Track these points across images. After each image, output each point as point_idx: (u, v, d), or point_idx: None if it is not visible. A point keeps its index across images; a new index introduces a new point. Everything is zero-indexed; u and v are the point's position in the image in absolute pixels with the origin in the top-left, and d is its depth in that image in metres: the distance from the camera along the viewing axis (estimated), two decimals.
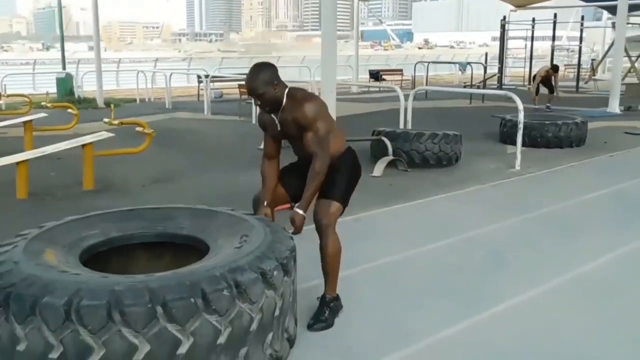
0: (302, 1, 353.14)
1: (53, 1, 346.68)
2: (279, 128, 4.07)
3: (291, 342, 3.51)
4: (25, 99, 14.34)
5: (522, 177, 8.66)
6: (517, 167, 9.03)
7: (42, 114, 10.84)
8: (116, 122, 9.37)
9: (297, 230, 3.94)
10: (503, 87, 22.67)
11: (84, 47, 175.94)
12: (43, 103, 12.87)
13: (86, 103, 18.03)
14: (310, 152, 3.94)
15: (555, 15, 23.30)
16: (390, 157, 8.69)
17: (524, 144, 9.92)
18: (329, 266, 4.07)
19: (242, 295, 2.97)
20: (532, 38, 24.06)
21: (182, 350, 2.81)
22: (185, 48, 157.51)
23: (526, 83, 23.76)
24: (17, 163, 7.22)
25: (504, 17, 23.32)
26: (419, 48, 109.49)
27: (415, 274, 4.98)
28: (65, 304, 2.70)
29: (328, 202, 4.03)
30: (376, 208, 6.91)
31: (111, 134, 8.39)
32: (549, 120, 10.96)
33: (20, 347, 2.80)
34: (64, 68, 21.55)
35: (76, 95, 19.47)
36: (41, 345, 2.75)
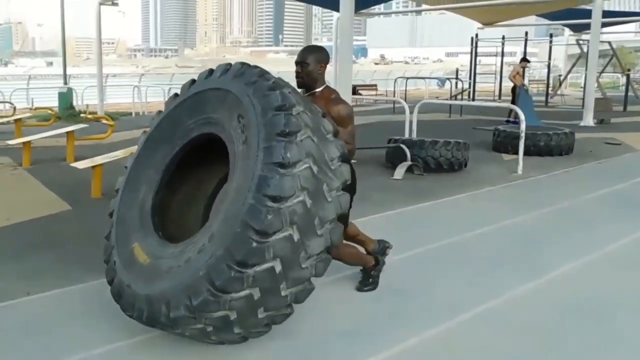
0: (256, 17, 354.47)
1: (10, 17, 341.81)
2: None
3: None
4: (50, 111, 15.09)
5: (526, 180, 9.69)
6: (520, 172, 10.04)
7: (83, 125, 11.65)
8: None
9: None
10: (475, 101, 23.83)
11: (41, 62, 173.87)
12: (82, 115, 13.64)
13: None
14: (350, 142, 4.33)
15: (526, 33, 24.60)
16: (409, 162, 9.63)
17: (518, 152, 11.00)
18: (355, 263, 4.91)
19: None
20: (502, 54, 25.26)
21: None
22: (142, 63, 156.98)
23: (496, 98, 25.03)
24: (93, 166, 8.06)
25: (477, 35, 24.44)
26: (375, 63, 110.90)
27: (466, 255, 5.96)
28: None
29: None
30: (410, 205, 7.90)
31: None
32: (540, 131, 12.01)
33: None
34: (65, 83, 22.19)
35: (77, 109, 20.04)
36: None
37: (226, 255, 3.23)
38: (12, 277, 5.24)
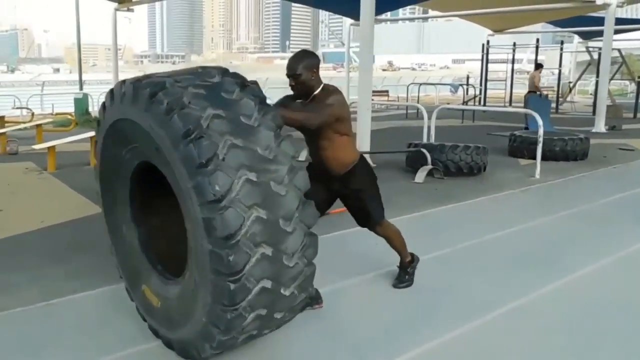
0: (263, 23, 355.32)
1: (16, 24, 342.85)
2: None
3: None
4: (69, 116, 15.32)
5: (544, 184, 9.86)
6: (537, 176, 10.20)
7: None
8: None
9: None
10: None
11: (48, 69, 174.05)
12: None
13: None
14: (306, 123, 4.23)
15: (537, 40, 24.79)
16: (430, 166, 9.81)
17: (534, 157, 11.17)
18: (397, 244, 5.08)
19: None
20: (513, 61, 25.44)
21: None
22: (149, 70, 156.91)
23: (507, 104, 25.17)
24: None
25: (488, 42, 24.64)
26: (383, 70, 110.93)
27: (490, 256, 6.15)
28: None
29: (376, 224, 4.91)
30: (432, 207, 8.09)
31: None
32: (557, 136, 12.18)
33: None
34: (81, 89, 22.46)
35: (92, 115, 20.23)
36: None
37: (216, 303, 3.19)
38: (59, 277, 5.42)
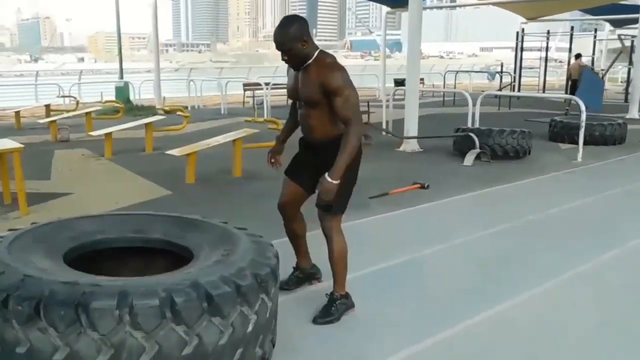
0: (289, 11, 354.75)
1: (38, 12, 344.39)
2: (299, 85, 4.03)
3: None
4: (117, 104, 15.95)
5: (586, 167, 10.28)
6: (580, 159, 10.62)
7: (159, 117, 12.43)
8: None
9: (325, 197, 3.88)
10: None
11: (71, 58, 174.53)
12: (158, 107, 14.46)
13: (146, 110, 19.12)
14: (341, 117, 3.85)
15: (572, 27, 24.94)
16: (478, 150, 10.28)
17: (574, 142, 11.64)
18: (337, 266, 4.16)
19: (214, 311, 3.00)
20: (547, 49, 25.66)
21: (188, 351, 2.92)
22: (175, 58, 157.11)
23: (540, 91, 25.46)
24: (188, 154, 8.81)
25: (522, 29, 24.85)
26: None
27: (549, 229, 6.61)
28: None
29: (332, 216, 4.11)
30: (486, 187, 8.54)
31: (256, 130, 9.97)
32: (596, 122, 12.57)
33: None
34: (121, 77, 22.96)
35: (134, 103, 20.75)
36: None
37: None
38: None
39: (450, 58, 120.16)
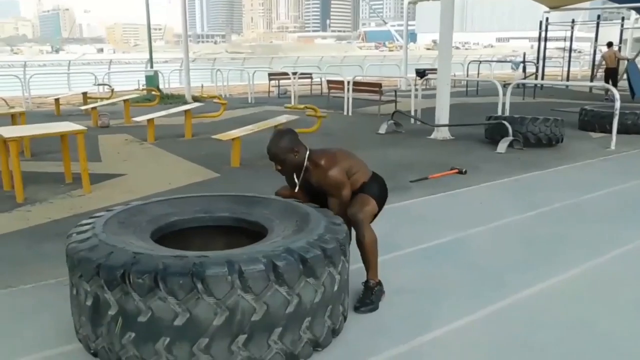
0: (302, 2, 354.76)
1: (58, 4, 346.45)
2: (297, 189, 4.39)
3: (345, 317, 3.87)
4: (154, 92, 16.39)
5: (620, 154, 10.44)
6: (613, 147, 10.78)
7: (198, 104, 12.72)
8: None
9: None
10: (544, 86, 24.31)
11: (91, 49, 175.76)
12: (197, 95, 14.82)
13: (175, 98, 19.58)
14: (343, 215, 4.16)
15: (598, 16, 24.86)
16: (511, 138, 10.43)
17: (604, 131, 11.84)
18: (370, 255, 4.26)
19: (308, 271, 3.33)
20: (572, 39, 25.60)
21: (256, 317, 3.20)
22: (192, 49, 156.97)
23: (564, 81, 25.49)
24: (233, 139, 9.05)
25: (547, 19, 24.76)
26: (427, 49, 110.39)
27: (585, 213, 6.81)
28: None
29: (364, 196, 4.28)
30: (522, 173, 8.74)
31: (296, 117, 10.20)
32: (628, 110, 12.69)
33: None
34: (151, 66, 23.32)
35: (163, 92, 21.04)
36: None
37: None
38: None
39: (466, 49, 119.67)
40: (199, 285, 3.07)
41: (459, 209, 6.91)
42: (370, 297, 4.25)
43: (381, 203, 4.41)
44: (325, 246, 3.46)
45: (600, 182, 8.27)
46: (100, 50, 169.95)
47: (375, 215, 4.37)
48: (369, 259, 4.28)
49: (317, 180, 4.25)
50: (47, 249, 5.49)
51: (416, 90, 14.48)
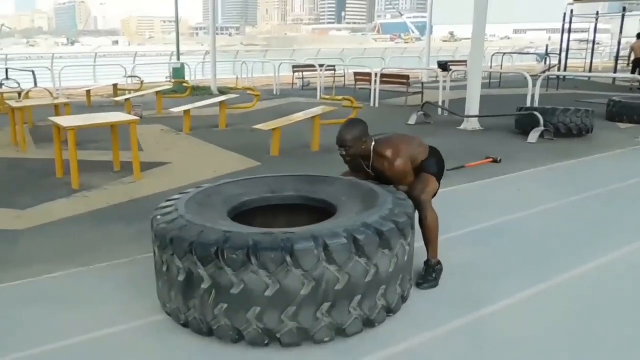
0: None
1: None
2: (372, 174, 4.60)
3: (411, 286, 4.18)
4: (185, 84, 16.76)
5: None
6: None
7: (233, 95, 13.02)
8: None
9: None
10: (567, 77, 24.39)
11: (106, 41, 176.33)
12: (223, 87, 15.14)
13: (201, 90, 19.86)
14: (411, 198, 4.31)
15: (624, 8, 24.87)
16: (542, 128, 10.64)
17: (632, 121, 12.08)
18: (432, 235, 4.52)
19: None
20: (595, 31, 25.62)
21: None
22: (207, 42, 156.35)
23: (587, 72, 25.58)
24: (273, 129, 9.32)
25: (572, 11, 24.78)
26: (444, 41, 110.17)
27: (624, 199, 7.03)
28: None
29: (426, 176, 4.54)
30: (555, 162, 8.97)
31: (333, 108, 10.46)
32: None
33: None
34: (178, 59, 23.63)
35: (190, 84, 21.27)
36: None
37: None
38: None
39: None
40: (288, 259, 3.34)
41: (500, 195, 7.18)
42: (431, 274, 4.51)
43: (440, 177, 4.68)
44: (397, 220, 3.75)
45: (631, 171, 8.47)
46: (116, 43, 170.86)
47: (436, 192, 4.63)
48: (430, 239, 4.53)
49: (381, 169, 4.47)
50: (115, 231, 5.83)
51: (444, 82, 14.69)
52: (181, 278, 3.60)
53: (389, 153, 4.43)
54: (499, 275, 4.67)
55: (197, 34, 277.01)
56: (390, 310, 3.83)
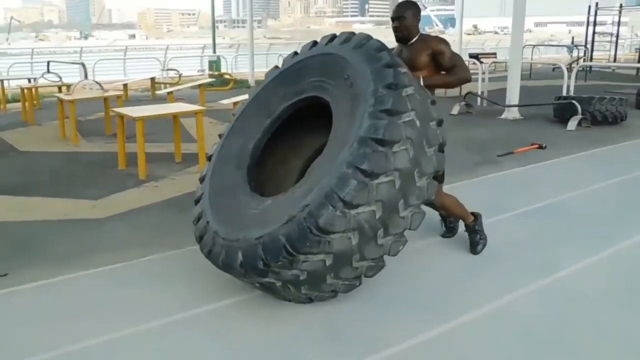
0: None
1: None
2: (404, 56, 4.58)
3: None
4: (228, 76, 17.37)
5: None
6: None
7: None
8: None
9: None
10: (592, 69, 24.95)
11: (122, 35, 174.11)
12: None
13: (240, 83, 20.45)
14: (451, 67, 4.58)
15: None
16: (580, 116, 11.37)
17: None
18: (454, 211, 4.98)
19: None
20: (619, 23, 26.23)
21: None
22: (227, 35, 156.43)
23: (607, 64, 26.20)
24: None
25: (597, 4, 25.35)
26: (467, 34, 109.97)
27: None
28: None
29: None
30: (597, 148, 9.59)
31: None
32: None
33: None
34: (214, 52, 24.28)
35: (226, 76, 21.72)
36: None
37: (331, 195, 3.37)
38: None
39: (505, 34, 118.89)
40: (323, 237, 3.44)
41: (549, 178, 7.79)
42: (477, 237, 5.05)
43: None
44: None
45: None
46: (132, 37, 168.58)
47: (442, 177, 4.63)
48: (456, 214, 5.04)
49: (428, 48, 4.57)
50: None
51: (483, 73, 15.44)
52: None
53: (436, 38, 4.73)
54: (563, 245, 5.28)
55: (218, 27, 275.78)
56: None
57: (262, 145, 4.42)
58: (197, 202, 4.36)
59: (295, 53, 4.56)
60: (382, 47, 3.86)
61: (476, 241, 5.04)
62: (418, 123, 3.58)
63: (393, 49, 4.46)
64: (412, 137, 3.51)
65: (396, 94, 3.54)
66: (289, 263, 3.49)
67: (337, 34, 4.28)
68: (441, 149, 3.83)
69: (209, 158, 4.64)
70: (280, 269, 3.55)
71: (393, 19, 4.66)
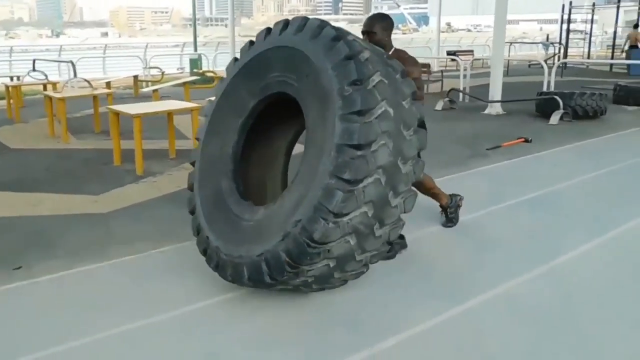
0: None
1: None
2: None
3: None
4: (212, 74, 17.49)
5: None
6: None
7: None
8: None
9: None
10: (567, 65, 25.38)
11: (94, 33, 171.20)
12: None
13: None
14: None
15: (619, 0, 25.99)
16: (562, 111, 11.63)
17: (638, 104, 13.11)
18: (432, 192, 5.40)
19: None
20: (592, 21, 26.73)
21: None
22: (202, 33, 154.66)
23: (585, 60, 26.66)
24: None
25: (570, 2, 25.78)
26: (442, 32, 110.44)
27: None
28: None
29: None
30: (578, 141, 9.87)
31: None
32: None
33: None
34: (195, 50, 24.30)
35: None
36: None
37: (320, 207, 3.36)
38: None
39: (478, 31, 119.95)
40: (320, 248, 3.47)
41: (538, 171, 8.04)
42: (449, 216, 5.60)
43: None
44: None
45: None
46: (105, 35, 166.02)
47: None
48: (432, 195, 5.44)
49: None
50: None
51: (464, 70, 15.69)
52: None
53: (406, 54, 4.75)
54: (561, 232, 5.53)
55: (190, 24, 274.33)
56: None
57: (240, 148, 4.42)
58: (192, 213, 4.42)
59: (252, 42, 4.39)
60: (337, 35, 3.68)
61: (450, 218, 5.63)
62: (391, 111, 3.51)
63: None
64: (388, 129, 3.46)
65: (364, 91, 3.44)
66: (295, 275, 3.57)
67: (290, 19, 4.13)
68: (421, 124, 3.78)
69: (192, 163, 4.67)
70: (288, 280, 3.63)
71: (363, 32, 4.66)
